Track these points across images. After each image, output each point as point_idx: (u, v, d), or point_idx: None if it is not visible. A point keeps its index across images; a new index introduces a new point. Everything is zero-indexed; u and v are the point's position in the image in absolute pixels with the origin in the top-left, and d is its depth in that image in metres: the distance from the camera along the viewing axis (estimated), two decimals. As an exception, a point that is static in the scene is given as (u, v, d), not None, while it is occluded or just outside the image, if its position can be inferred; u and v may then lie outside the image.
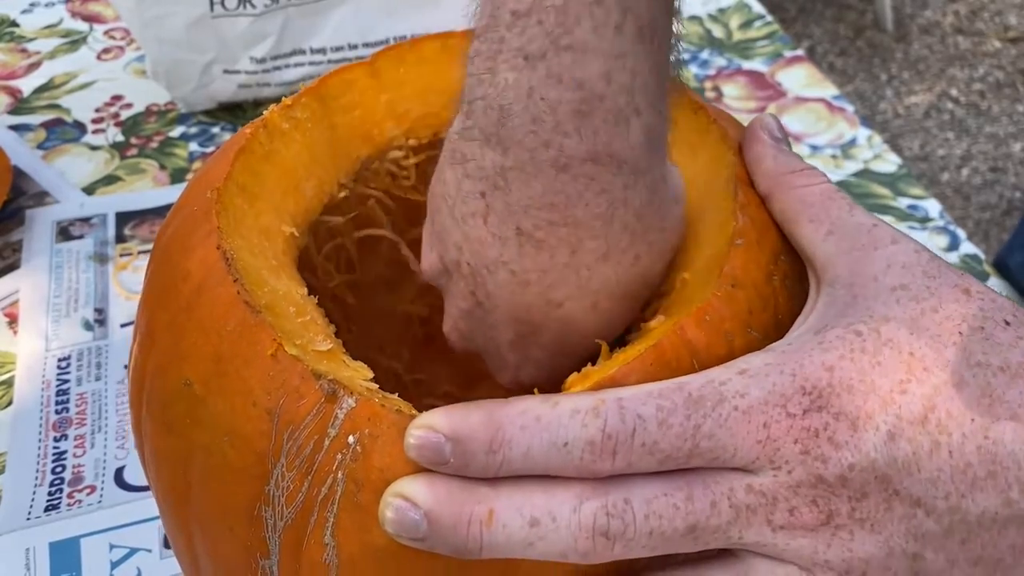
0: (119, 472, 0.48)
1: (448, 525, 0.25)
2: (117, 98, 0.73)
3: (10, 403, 0.51)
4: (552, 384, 0.30)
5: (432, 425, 0.25)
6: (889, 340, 0.26)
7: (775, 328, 0.30)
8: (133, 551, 0.44)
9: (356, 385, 0.28)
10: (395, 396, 0.28)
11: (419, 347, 0.46)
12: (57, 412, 0.51)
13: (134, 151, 0.68)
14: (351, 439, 0.26)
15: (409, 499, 0.25)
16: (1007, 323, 0.26)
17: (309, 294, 0.34)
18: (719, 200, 0.33)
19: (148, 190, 0.65)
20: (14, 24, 0.80)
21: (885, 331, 0.26)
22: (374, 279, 0.44)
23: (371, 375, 0.30)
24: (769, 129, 0.33)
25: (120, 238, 0.61)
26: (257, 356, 0.28)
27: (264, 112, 0.36)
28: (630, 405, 0.25)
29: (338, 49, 0.68)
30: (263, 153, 0.35)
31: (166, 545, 0.44)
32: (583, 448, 0.25)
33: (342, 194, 0.38)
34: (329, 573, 0.27)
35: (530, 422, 0.25)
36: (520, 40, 0.26)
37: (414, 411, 0.27)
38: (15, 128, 0.70)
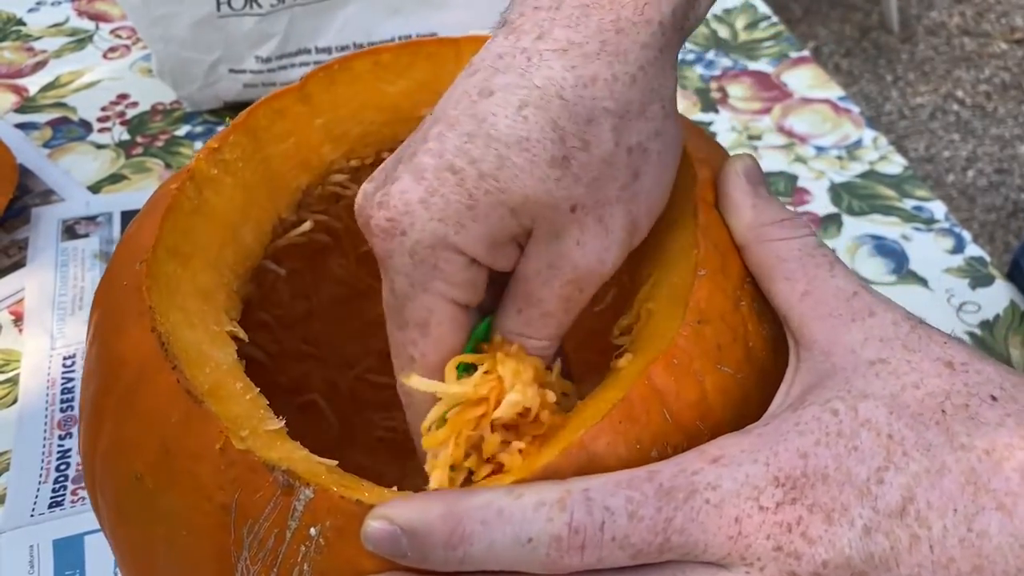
0: (123, 470, 0.48)
1: None
2: (123, 97, 0.73)
3: (15, 401, 0.52)
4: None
5: (389, 517, 0.24)
6: (867, 421, 0.25)
7: (747, 359, 0.29)
8: (137, 549, 0.45)
9: (314, 471, 0.27)
10: (352, 477, 0.27)
11: (387, 354, 0.45)
12: (62, 410, 0.51)
13: (139, 150, 0.68)
14: (313, 531, 0.26)
15: None
16: (994, 398, 0.25)
17: (268, 329, 0.33)
18: (680, 220, 0.31)
19: (153, 189, 0.65)
20: (20, 23, 0.80)
21: (863, 410, 0.25)
22: (329, 300, 0.43)
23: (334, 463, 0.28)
24: (747, 172, 0.31)
25: (125, 236, 0.61)
26: (205, 449, 0.27)
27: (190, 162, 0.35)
28: (598, 496, 0.24)
29: (343, 49, 0.68)
30: (192, 208, 0.33)
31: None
32: (548, 544, 0.24)
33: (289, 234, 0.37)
34: None
35: (491, 516, 0.24)
36: None
37: (375, 499, 0.26)
38: (21, 126, 0.70)
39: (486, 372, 0.28)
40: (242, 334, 0.32)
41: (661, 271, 0.31)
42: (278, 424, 0.29)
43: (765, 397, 0.28)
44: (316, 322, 0.43)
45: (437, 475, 0.27)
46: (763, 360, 0.29)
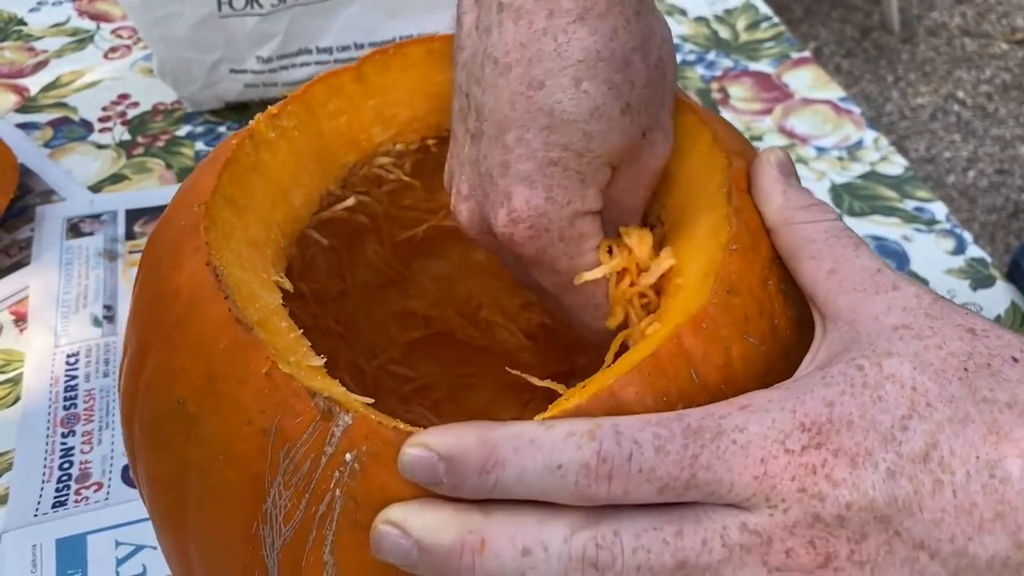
0: (126, 469, 0.48)
1: (440, 554, 0.25)
2: (124, 97, 0.73)
3: (16, 400, 0.52)
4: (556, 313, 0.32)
5: (426, 444, 0.25)
6: (891, 375, 0.25)
7: (772, 334, 0.30)
8: (139, 548, 0.45)
9: (352, 402, 0.28)
10: (387, 416, 0.28)
11: (410, 348, 0.46)
12: (65, 408, 0.51)
13: (140, 150, 0.68)
14: (348, 456, 0.26)
15: (399, 526, 0.25)
16: (1015, 360, 0.26)
17: (304, 301, 0.34)
18: (712, 204, 0.33)
19: (154, 189, 0.65)
20: (21, 22, 0.81)
21: (887, 365, 0.26)
22: (362, 285, 0.44)
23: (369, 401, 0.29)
24: (779, 163, 0.33)
25: (130, 235, 0.61)
26: (251, 374, 0.28)
27: (251, 121, 0.36)
28: (627, 431, 0.25)
29: (344, 49, 0.68)
30: (250, 164, 0.35)
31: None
32: (577, 471, 0.25)
33: (332, 205, 0.38)
34: None
35: (524, 444, 0.25)
36: None
37: (411, 428, 0.26)
38: (22, 126, 0.70)
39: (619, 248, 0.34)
40: (287, 285, 0.33)
41: (692, 249, 0.32)
42: (319, 361, 0.29)
43: (787, 373, 0.29)
44: (348, 304, 0.43)
45: (617, 312, 0.34)
46: (787, 339, 0.30)
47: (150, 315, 0.32)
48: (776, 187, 0.32)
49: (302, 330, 0.31)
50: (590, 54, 0.30)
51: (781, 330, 0.30)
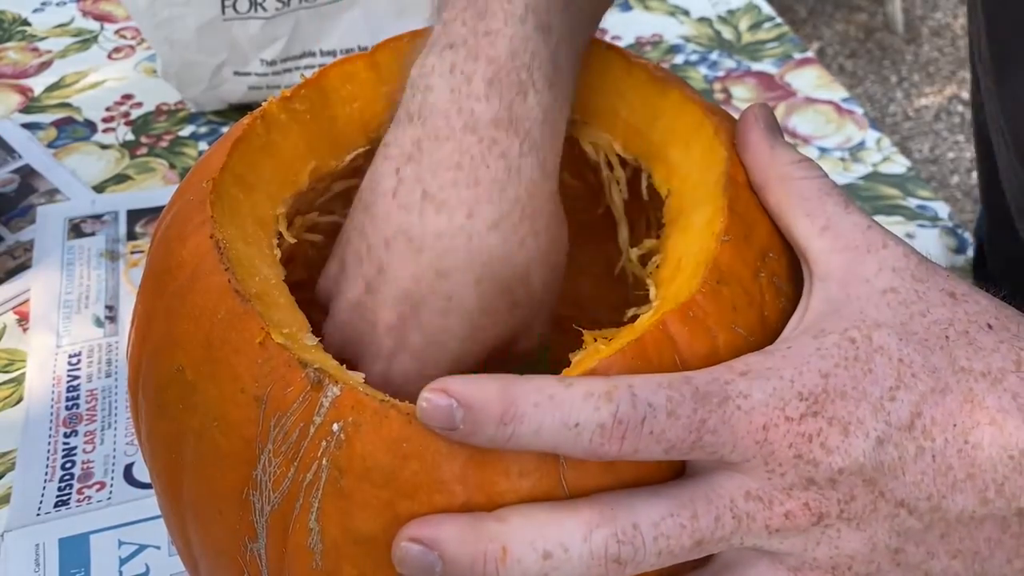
0: (128, 469, 0.48)
1: (464, 565, 0.25)
2: (127, 97, 0.73)
3: (19, 400, 0.52)
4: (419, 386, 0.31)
5: (447, 389, 0.26)
6: (880, 347, 0.27)
7: (760, 325, 0.30)
8: (142, 548, 0.45)
9: (342, 374, 0.28)
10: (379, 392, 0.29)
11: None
12: (67, 408, 0.51)
13: (144, 150, 0.69)
14: (335, 427, 0.27)
15: (422, 542, 0.26)
16: (990, 326, 0.28)
17: (304, 285, 0.34)
18: (710, 195, 0.33)
19: (158, 189, 0.65)
20: (25, 23, 0.81)
21: (876, 338, 0.27)
22: None
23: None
24: (765, 119, 0.33)
25: (131, 235, 0.62)
26: (246, 344, 0.29)
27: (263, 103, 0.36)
28: (642, 393, 0.26)
29: (348, 51, 0.68)
30: (260, 144, 0.35)
31: (174, 542, 0.45)
32: (593, 431, 0.25)
33: (337, 188, 0.38)
34: (314, 557, 0.27)
35: (544, 400, 0.26)
36: (446, 36, 0.32)
37: (398, 402, 0.27)
38: (26, 126, 0.70)
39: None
40: (288, 236, 0.34)
41: (689, 239, 0.32)
42: (314, 341, 0.30)
43: None
44: None
45: None
46: (776, 331, 0.30)
47: (156, 285, 0.32)
48: (763, 144, 0.32)
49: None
50: (494, 260, 0.31)
51: (771, 322, 0.30)
